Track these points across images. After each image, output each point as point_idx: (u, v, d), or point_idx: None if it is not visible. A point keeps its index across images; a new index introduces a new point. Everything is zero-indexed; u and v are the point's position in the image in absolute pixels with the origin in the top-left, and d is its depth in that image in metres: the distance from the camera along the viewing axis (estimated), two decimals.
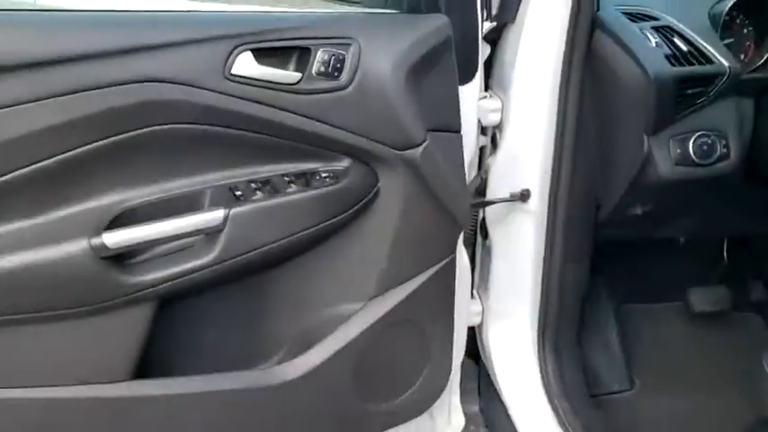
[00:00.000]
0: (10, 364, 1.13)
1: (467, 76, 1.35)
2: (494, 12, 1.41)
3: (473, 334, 1.68)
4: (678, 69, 1.43)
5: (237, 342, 1.30)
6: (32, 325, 1.10)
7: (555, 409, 1.55)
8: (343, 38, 1.13)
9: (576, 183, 1.49)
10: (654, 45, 1.46)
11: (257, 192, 1.16)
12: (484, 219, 1.60)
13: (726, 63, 1.45)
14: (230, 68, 1.07)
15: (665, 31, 1.49)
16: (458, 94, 1.26)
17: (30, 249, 1.06)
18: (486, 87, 1.48)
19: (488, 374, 1.66)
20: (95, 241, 1.08)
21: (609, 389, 1.75)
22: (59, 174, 1.05)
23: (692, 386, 1.77)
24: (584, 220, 1.55)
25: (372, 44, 1.13)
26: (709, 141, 1.46)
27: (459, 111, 1.26)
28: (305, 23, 1.14)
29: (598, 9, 1.47)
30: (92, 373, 1.15)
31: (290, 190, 1.17)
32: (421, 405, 1.43)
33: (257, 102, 1.09)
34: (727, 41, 1.53)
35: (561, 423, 1.54)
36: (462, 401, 1.63)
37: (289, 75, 1.11)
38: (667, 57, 1.44)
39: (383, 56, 1.13)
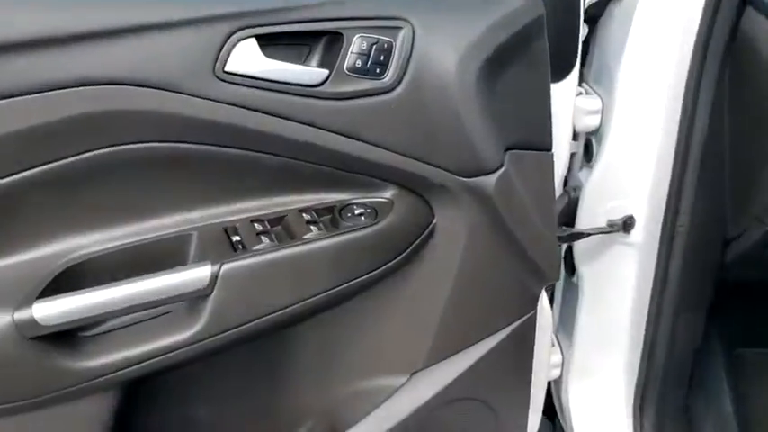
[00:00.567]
0: None
1: (562, 72, 1.19)
2: None
3: (548, 388, 1.54)
4: None
5: (239, 421, 1.15)
6: None
7: None
8: (389, 18, 0.95)
9: (699, 210, 1.33)
10: None
11: (263, 236, 0.97)
12: (570, 248, 1.43)
13: None
14: (224, 64, 0.89)
15: None
16: (550, 98, 1.08)
17: None
18: (581, 81, 1.31)
19: None
20: (21, 315, 0.86)
21: None
22: None
23: None
24: (707, 260, 1.39)
25: (431, 28, 0.96)
26: None
27: (550, 122, 1.08)
28: None
29: None
30: None
31: (310, 234, 0.98)
32: None
33: (263, 111, 0.91)
34: None
35: None
36: None
37: (310, 72, 0.93)
38: None
39: (446, 45, 0.96)
